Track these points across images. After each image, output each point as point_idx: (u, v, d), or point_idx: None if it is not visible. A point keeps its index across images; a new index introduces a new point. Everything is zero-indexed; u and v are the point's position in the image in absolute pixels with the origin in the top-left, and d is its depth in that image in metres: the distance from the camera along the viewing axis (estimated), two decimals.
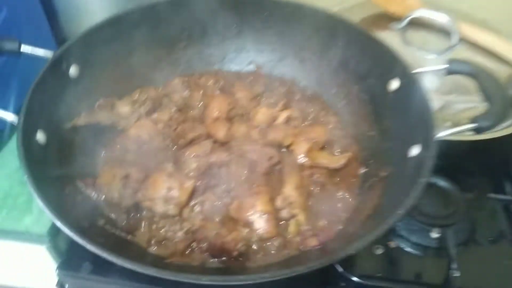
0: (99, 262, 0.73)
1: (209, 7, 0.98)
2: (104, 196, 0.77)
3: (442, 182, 0.90)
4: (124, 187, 0.76)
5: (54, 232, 0.83)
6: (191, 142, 0.86)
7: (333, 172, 0.83)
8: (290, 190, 0.77)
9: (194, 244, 0.72)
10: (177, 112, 0.92)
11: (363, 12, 1.25)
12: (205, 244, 0.72)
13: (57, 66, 0.82)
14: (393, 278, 0.81)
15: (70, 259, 0.81)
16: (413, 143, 0.74)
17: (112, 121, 0.88)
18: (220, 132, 0.86)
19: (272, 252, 0.73)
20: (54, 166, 0.75)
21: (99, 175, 0.80)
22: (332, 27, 0.94)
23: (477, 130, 0.72)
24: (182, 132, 0.86)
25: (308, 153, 0.82)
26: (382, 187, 0.76)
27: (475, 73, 0.79)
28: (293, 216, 0.75)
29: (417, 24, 1.10)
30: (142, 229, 0.74)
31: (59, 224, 0.61)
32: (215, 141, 0.86)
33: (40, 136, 0.75)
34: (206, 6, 0.98)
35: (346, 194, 0.79)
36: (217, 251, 0.71)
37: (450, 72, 0.81)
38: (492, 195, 0.94)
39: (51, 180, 0.71)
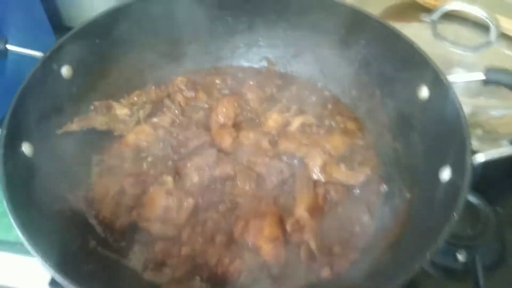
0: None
1: None
2: (95, 213, 0.70)
3: (470, 197, 0.80)
4: (118, 204, 0.69)
5: None
6: (194, 151, 0.78)
7: (350, 189, 0.74)
8: (301, 210, 0.69)
9: (193, 271, 0.65)
10: (179, 115, 0.84)
11: (389, 0, 1.13)
12: (206, 272, 0.65)
13: (47, 67, 0.75)
14: None
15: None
16: (443, 163, 0.65)
17: (108, 126, 0.80)
18: (226, 141, 0.78)
19: (280, 282, 0.65)
20: (42, 180, 0.68)
21: (92, 187, 0.73)
22: (354, 22, 0.83)
23: None
24: (185, 140, 0.78)
25: (323, 167, 0.74)
26: (406, 212, 0.68)
27: None
28: (303, 242, 0.67)
29: (451, 16, 0.99)
30: (137, 252, 0.67)
31: (41, 261, 0.54)
32: (220, 150, 0.78)
33: (26, 148, 0.68)
34: None
35: (364, 216, 0.71)
36: (219, 281, 0.64)
37: (486, 83, 0.71)
38: None
39: (36, 199, 0.64)
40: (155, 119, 0.83)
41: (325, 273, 0.65)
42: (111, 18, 0.82)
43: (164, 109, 0.85)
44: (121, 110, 0.82)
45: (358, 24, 0.83)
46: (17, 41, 0.92)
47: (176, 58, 0.91)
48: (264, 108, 0.86)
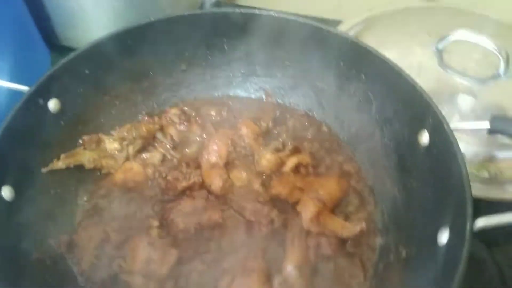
0: None
1: (213, 23, 0.84)
2: (77, 261, 0.67)
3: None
4: (99, 256, 0.66)
5: None
6: (183, 192, 0.75)
7: (344, 242, 0.71)
8: (290, 268, 0.65)
9: None
10: (171, 150, 0.81)
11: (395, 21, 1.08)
12: None
13: (32, 102, 0.72)
14: None
15: None
16: (442, 224, 0.60)
17: (95, 164, 0.77)
18: (217, 183, 0.75)
19: None
20: (21, 226, 0.66)
21: (77, 232, 0.70)
22: (356, 56, 0.79)
23: None
24: (174, 180, 0.75)
25: (316, 217, 0.70)
26: (400, 272, 0.64)
27: None
28: None
29: (459, 42, 0.94)
30: None
31: None
32: (209, 192, 0.75)
33: (6, 192, 0.65)
34: (210, 23, 0.84)
35: (359, 273, 0.67)
36: None
37: (491, 132, 0.67)
38: None
39: (13, 246, 0.62)
40: (145, 155, 0.80)
41: None
42: (101, 47, 0.79)
43: (156, 144, 0.81)
44: (111, 145, 0.79)
45: (358, 57, 0.79)
46: (11, 63, 0.91)
47: (170, 87, 0.88)
48: (259, 143, 0.83)
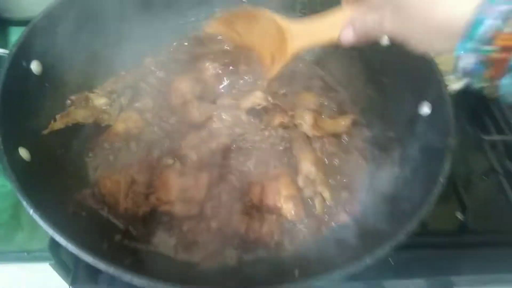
0: None
1: None
2: (109, 208, 0.69)
3: None
4: (132, 198, 0.68)
5: (56, 245, 0.72)
6: (184, 129, 0.78)
7: (340, 139, 0.80)
8: (308, 167, 0.74)
9: (225, 242, 0.68)
10: (158, 96, 0.83)
11: None
12: (236, 240, 0.67)
13: (18, 64, 0.69)
14: None
15: (82, 272, 0.70)
16: (421, 99, 0.73)
17: (94, 118, 0.77)
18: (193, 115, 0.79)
19: (304, 235, 0.70)
20: (45, 183, 0.65)
21: (98, 184, 0.71)
22: None
23: None
24: (177, 123, 0.78)
25: (315, 123, 0.79)
26: (398, 152, 0.75)
27: None
28: (316, 194, 0.73)
29: None
30: (165, 237, 0.68)
31: (82, 255, 0.53)
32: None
33: (23, 153, 0.64)
34: None
35: (360, 160, 0.78)
36: (252, 245, 0.67)
37: None
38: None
39: (48, 200, 0.61)
40: (137, 104, 0.81)
41: (343, 217, 0.71)
42: (65, 5, 0.77)
43: (142, 92, 0.83)
44: (99, 100, 0.79)
45: None
46: None
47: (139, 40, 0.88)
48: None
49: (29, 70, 0.71)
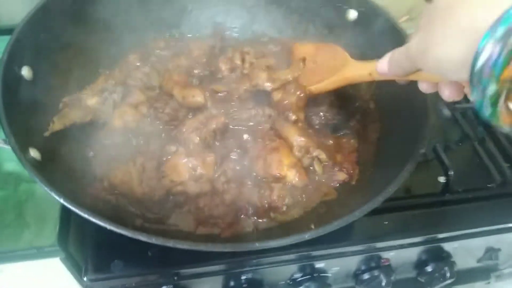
0: (129, 255, 0.69)
1: None
2: (124, 197, 0.71)
3: None
4: (145, 183, 0.71)
5: (64, 239, 0.73)
6: (180, 117, 0.82)
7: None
8: (296, 138, 0.79)
9: (239, 212, 0.71)
10: (149, 90, 0.86)
11: None
12: (251, 209, 0.71)
13: (10, 70, 0.70)
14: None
15: (94, 263, 0.72)
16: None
17: (90, 117, 0.78)
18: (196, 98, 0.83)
19: (310, 197, 0.76)
20: (59, 181, 0.66)
21: (108, 176, 0.72)
22: None
23: None
24: (173, 112, 0.81)
25: (270, 78, 0.85)
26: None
27: None
28: (314, 158, 0.78)
29: None
30: (183, 215, 0.71)
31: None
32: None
33: (34, 153, 0.65)
34: None
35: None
36: (265, 211, 0.72)
37: None
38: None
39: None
40: (130, 99, 0.83)
41: (342, 176, 0.78)
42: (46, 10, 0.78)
43: (132, 88, 0.85)
44: (91, 100, 0.81)
45: None
46: None
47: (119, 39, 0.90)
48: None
49: (21, 76, 0.72)
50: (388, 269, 0.81)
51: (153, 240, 0.54)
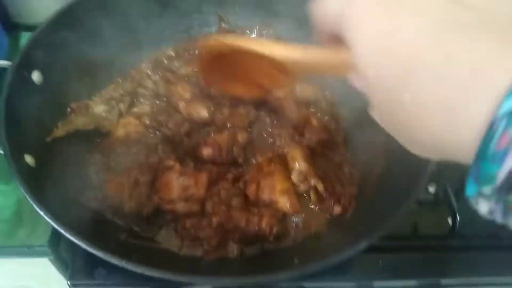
0: (112, 264, 0.68)
1: None
2: (113, 210, 0.71)
3: None
4: (136, 199, 0.71)
5: (55, 241, 0.75)
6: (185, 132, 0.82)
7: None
8: (301, 161, 0.77)
9: (226, 236, 0.71)
10: (156, 100, 0.86)
11: None
12: (237, 234, 0.70)
13: (20, 75, 0.73)
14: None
15: (79, 267, 0.73)
16: None
17: (94, 125, 0.80)
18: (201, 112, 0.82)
19: (300, 227, 0.74)
20: (51, 188, 0.67)
21: (102, 187, 0.73)
22: None
23: None
24: (176, 126, 0.81)
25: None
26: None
27: None
28: (311, 188, 0.76)
29: None
30: (169, 234, 0.71)
31: (96, 252, 0.56)
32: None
33: (29, 159, 0.67)
34: None
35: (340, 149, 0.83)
36: (252, 238, 0.70)
37: None
38: None
39: (55, 202, 0.64)
40: (135, 109, 0.84)
41: (337, 210, 0.75)
42: (65, 17, 0.81)
43: (140, 98, 0.86)
44: (98, 108, 0.82)
45: None
46: None
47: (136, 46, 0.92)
48: None
49: (31, 80, 0.74)
50: None
51: (123, 264, 0.54)
